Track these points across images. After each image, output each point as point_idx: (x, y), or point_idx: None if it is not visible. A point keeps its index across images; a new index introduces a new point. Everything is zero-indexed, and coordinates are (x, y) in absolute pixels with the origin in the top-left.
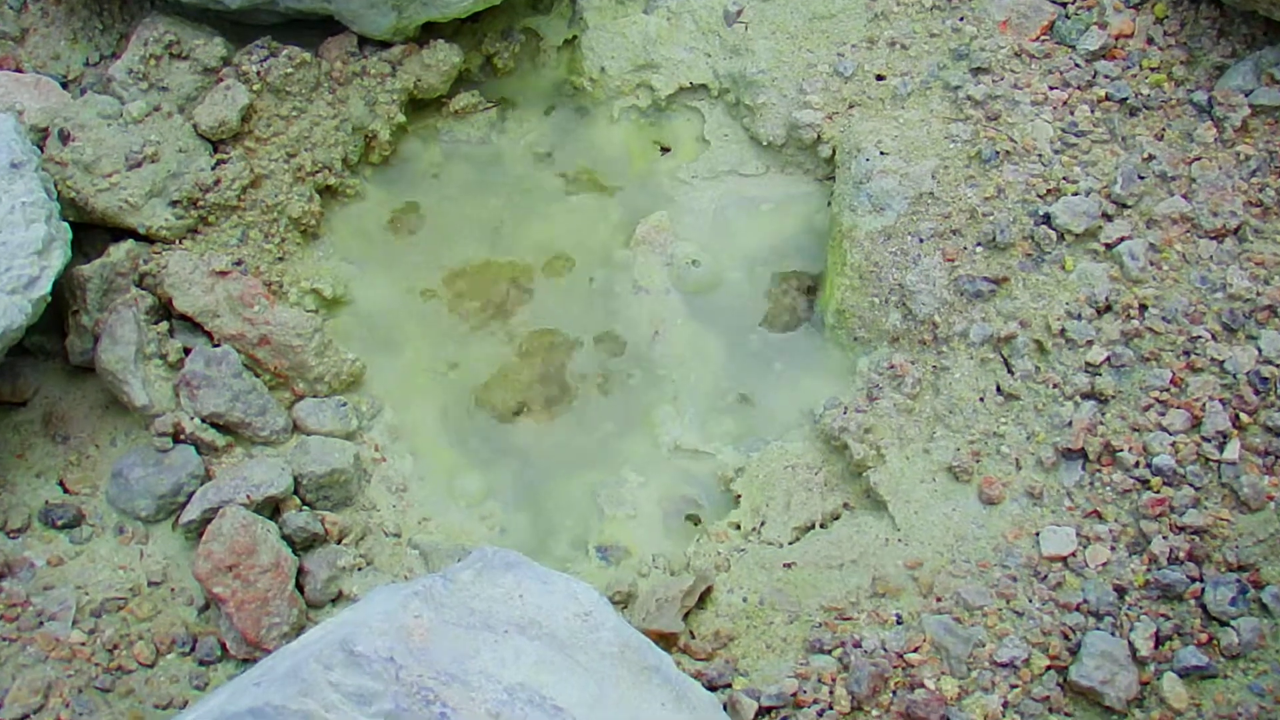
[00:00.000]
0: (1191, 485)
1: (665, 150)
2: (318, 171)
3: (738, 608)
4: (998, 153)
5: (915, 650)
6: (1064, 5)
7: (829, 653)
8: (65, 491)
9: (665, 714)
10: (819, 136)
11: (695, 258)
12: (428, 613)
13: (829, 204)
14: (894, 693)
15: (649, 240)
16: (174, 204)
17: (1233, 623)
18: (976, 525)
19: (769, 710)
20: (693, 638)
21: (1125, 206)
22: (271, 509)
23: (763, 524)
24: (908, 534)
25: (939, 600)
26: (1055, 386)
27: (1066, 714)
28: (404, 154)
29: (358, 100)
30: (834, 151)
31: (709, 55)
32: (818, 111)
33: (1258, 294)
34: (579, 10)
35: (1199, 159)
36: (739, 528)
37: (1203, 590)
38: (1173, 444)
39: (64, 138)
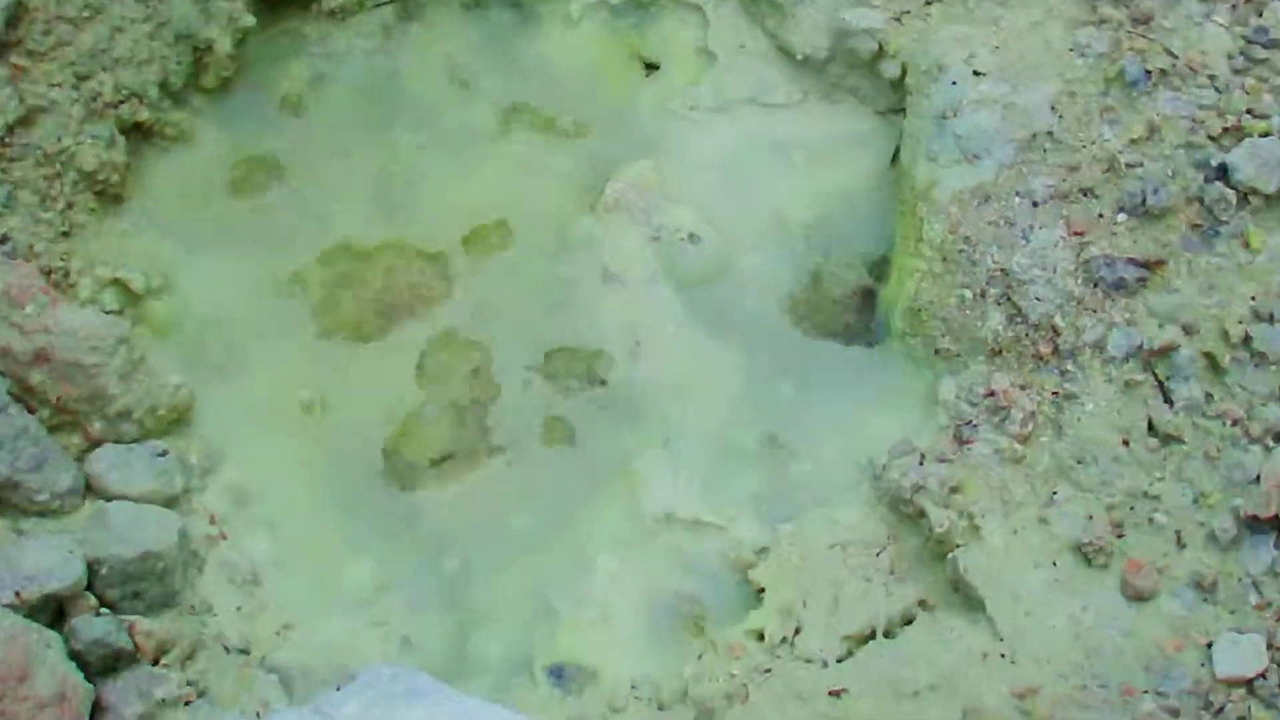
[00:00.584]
0: None
1: (651, 68)
2: (122, 102)
3: None
4: (1149, 73)
5: None
6: None
7: None
8: None
9: None
10: (881, 48)
11: (695, 231)
12: None
13: (896, 151)
14: None
15: (626, 205)
16: None
17: None
18: (1118, 632)
19: None
20: None
21: None
22: (54, 612)
23: (798, 631)
24: (1015, 646)
25: None
26: (1235, 424)
27: None
28: (254, 76)
29: None
30: (904, 71)
31: None
32: (879, 10)
33: None
34: None
35: None
36: (762, 637)
37: None
38: None
39: None
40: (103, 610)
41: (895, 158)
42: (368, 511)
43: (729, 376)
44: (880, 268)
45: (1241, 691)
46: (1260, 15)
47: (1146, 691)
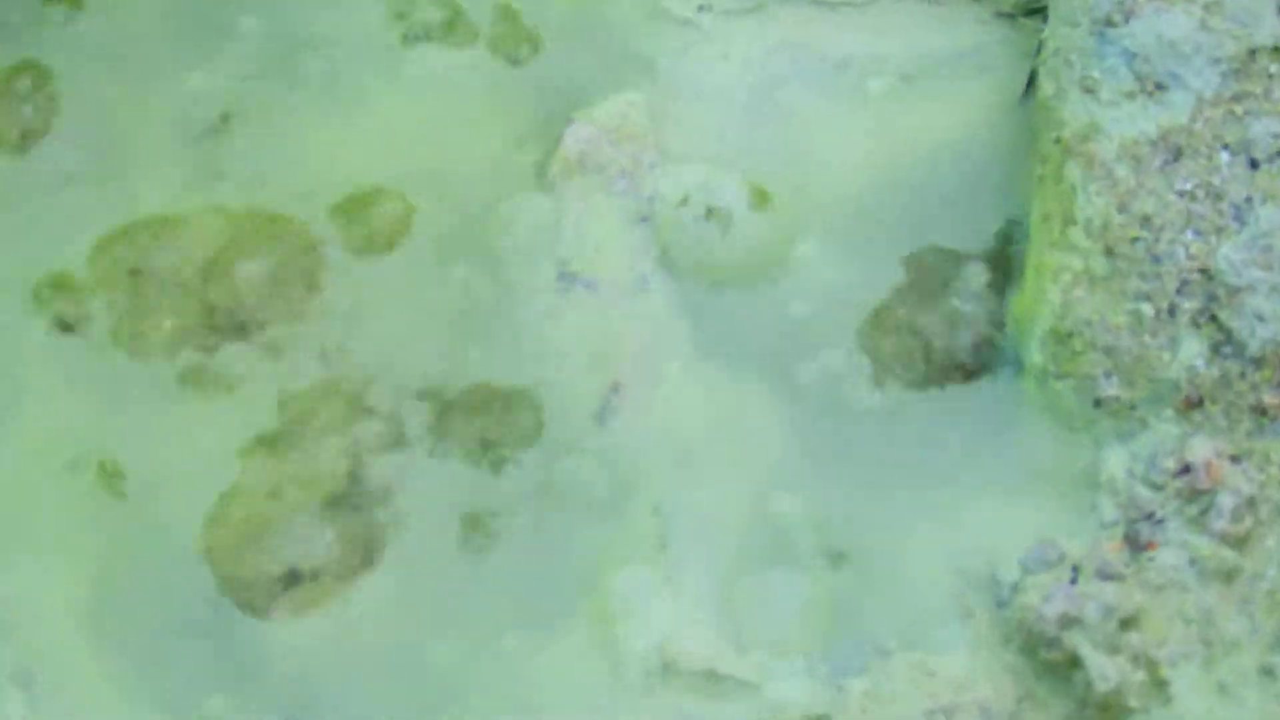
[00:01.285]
0: None
1: None
2: None
3: None
4: None
5: None
6: None
7: None
8: None
9: None
10: None
11: (710, 204)
12: None
13: (1031, 77)
14: None
15: (596, 163)
16: None
17: None
18: None
19: None
20: None
21: None
22: None
23: None
24: None
25: None
26: None
27: None
28: None
29: None
30: None
31: None
32: None
33: None
34: None
35: None
36: None
37: None
38: None
39: None
40: None
41: (1030, 88)
42: (184, 654)
43: (762, 439)
44: (1004, 266)
45: None
46: None
47: None
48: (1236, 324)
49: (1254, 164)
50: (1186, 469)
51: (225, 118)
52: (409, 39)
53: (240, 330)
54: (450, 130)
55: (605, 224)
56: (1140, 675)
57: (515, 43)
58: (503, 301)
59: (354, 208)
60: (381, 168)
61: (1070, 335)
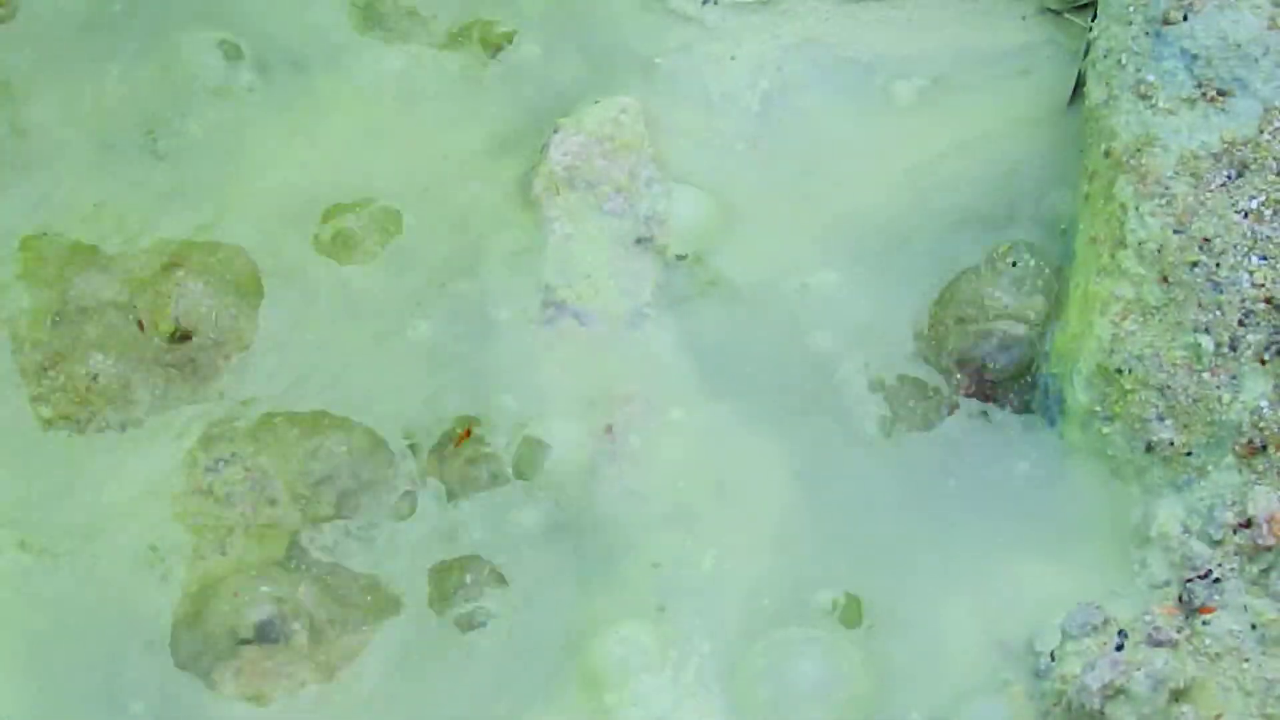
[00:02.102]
0: None
1: None
2: None
3: None
4: None
5: None
6: None
7: None
8: None
9: None
10: None
11: (710, 226)
12: None
13: (1078, 82)
14: None
15: (587, 179)
16: None
17: None
18: None
19: None
20: None
21: None
22: None
23: None
24: None
25: None
26: None
27: None
28: None
29: None
30: None
31: None
32: None
33: None
34: None
35: None
36: None
37: None
38: None
39: None
40: None
41: (1076, 93)
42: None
43: (774, 491)
44: (1046, 293)
45: None
46: None
47: None
48: None
49: None
50: (1248, 523)
51: (168, 126)
52: (367, 32)
53: (181, 369)
54: (416, 139)
55: (596, 247)
56: None
57: (491, 38)
58: (480, 335)
59: (309, 229)
60: (338, 184)
61: (1120, 372)
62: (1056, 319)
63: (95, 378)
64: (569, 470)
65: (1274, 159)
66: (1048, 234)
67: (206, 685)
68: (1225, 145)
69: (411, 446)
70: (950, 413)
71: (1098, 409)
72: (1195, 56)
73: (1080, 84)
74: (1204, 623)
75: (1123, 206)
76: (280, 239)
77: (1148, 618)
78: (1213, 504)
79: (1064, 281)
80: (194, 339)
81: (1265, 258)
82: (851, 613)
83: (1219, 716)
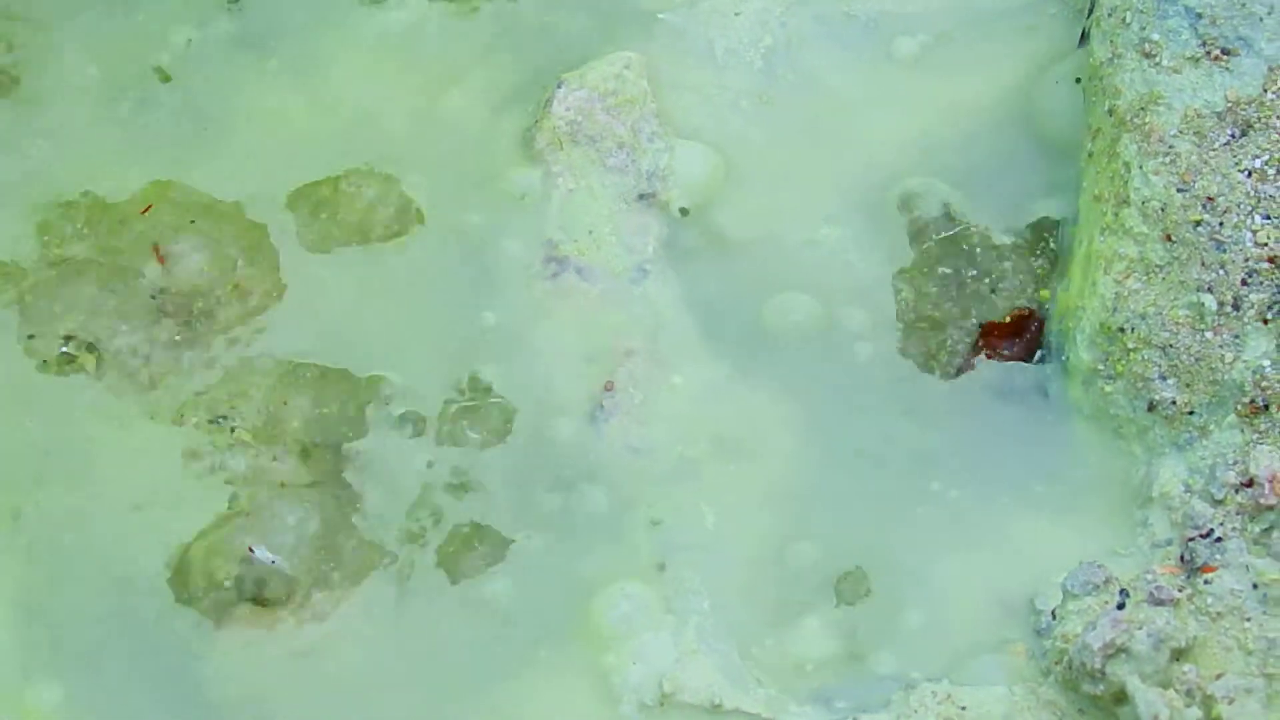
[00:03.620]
0: None
1: None
2: None
3: None
4: None
5: None
6: None
7: None
8: None
9: None
10: None
11: (713, 181)
12: None
13: (1082, 37)
14: None
15: (589, 135)
16: None
17: None
18: None
19: None
20: None
21: None
22: None
23: None
24: None
25: None
26: None
27: None
28: None
29: None
30: None
31: None
32: None
33: None
34: None
35: None
36: None
37: None
38: None
39: None
40: None
41: (1081, 50)
42: (139, 673)
43: (776, 450)
44: (1050, 253)
45: None
46: None
47: None
48: None
49: None
50: (1250, 482)
51: (168, 83)
52: None
53: (189, 319)
54: (418, 95)
55: (599, 203)
56: (1195, 712)
57: None
58: (483, 288)
59: (311, 189)
60: (339, 141)
61: (1122, 331)
62: (1060, 277)
63: (92, 332)
64: (570, 426)
65: (1278, 118)
66: (1050, 192)
67: (203, 635)
68: (1229, 104)
69: (414, 401)
70: (955, 372)
71: (1100, 368)
72: (1200, 15)
73: (1084, 41)
74: (1206, 582)
75: (1126, 165)
76: (289, 199)
77: (1149, 577)
78: (1215, 463)
79: (1067, 239)
80: (199, 293)
81: (1269, 217)
82: (850, 570)
83: (1220, 676)
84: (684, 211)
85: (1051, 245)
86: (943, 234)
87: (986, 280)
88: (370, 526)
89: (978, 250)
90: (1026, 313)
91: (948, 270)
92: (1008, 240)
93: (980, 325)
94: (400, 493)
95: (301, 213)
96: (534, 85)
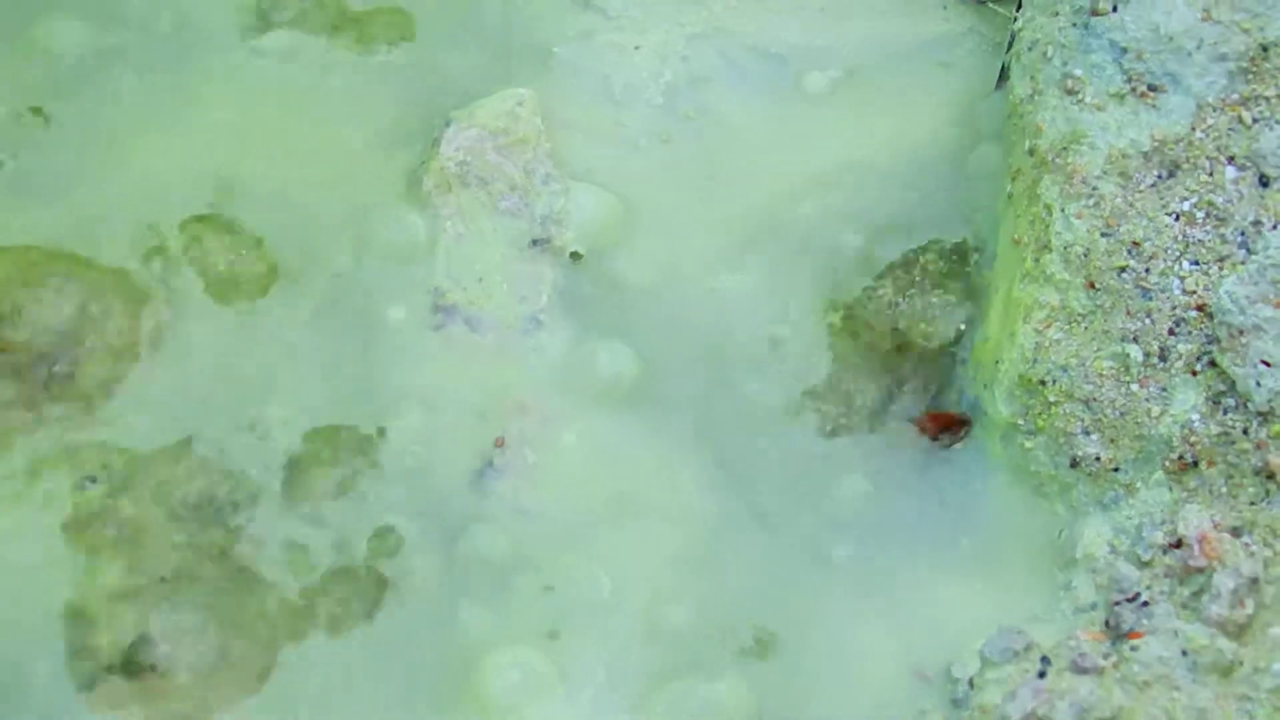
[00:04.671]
0: None
1: None
2: None
3: None
4: None
5: None
6: None
7: None
8: None
9: None
10: None
11: (609, 229)
12: None
13: (1002, 74)
14: None
15: (479, 177)
16: None
17: None
18: None
19: None
20: None
21: None
22: None
23: None
24: None
25: None
26: None
27: None
28: None
29: None
30: None
31: None
32: None
33: None
34: None
35: None
36: None
37: None
38: None
39: None
40: None
41: (1000, 88)
42: None
43: (677, 511)
44: (969, 296)
45: None
46: None
47: None
48: (1240, 371)
49: (1264, 181)
50: (1178, 543)
51: (38, 114)
52: (252, 22)
53: (49, 386)
54: (301, 132)
55: (490, 248)
56: None
57: (380, 26)
58: (366, 341)
59: (184, 230)
60: (210, 185)
61: (1043, 384)
62: (976, 326)
63: None
64: (457, 486)
65: (1207, 158)
66: (968, 236)
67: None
68: (1156, 144)
69: (295, 456)
70: (867, 428)
71: (1020, 422)
72: (1125, 49)
73: (1004, 78)
74: (1132, 648)
75: (1048, 207)
76: (157, 240)
77: (1072, 643)
78: (1141, 523)
79: (984, 286)
80: (64, 349)
81: (1197, 263)
82: (755, 639)
83: None
84: (577, 256)
85: (972, 288)
86: (855, 281)
87: (900, 329)
88: (247, 588)
89: (891, 297)
90: (961, 418)
91: (860, 320)
92: (925, 285)
93: (915, 418)
94: (280, 552)
95: (167, 264)
96: (421, 124)
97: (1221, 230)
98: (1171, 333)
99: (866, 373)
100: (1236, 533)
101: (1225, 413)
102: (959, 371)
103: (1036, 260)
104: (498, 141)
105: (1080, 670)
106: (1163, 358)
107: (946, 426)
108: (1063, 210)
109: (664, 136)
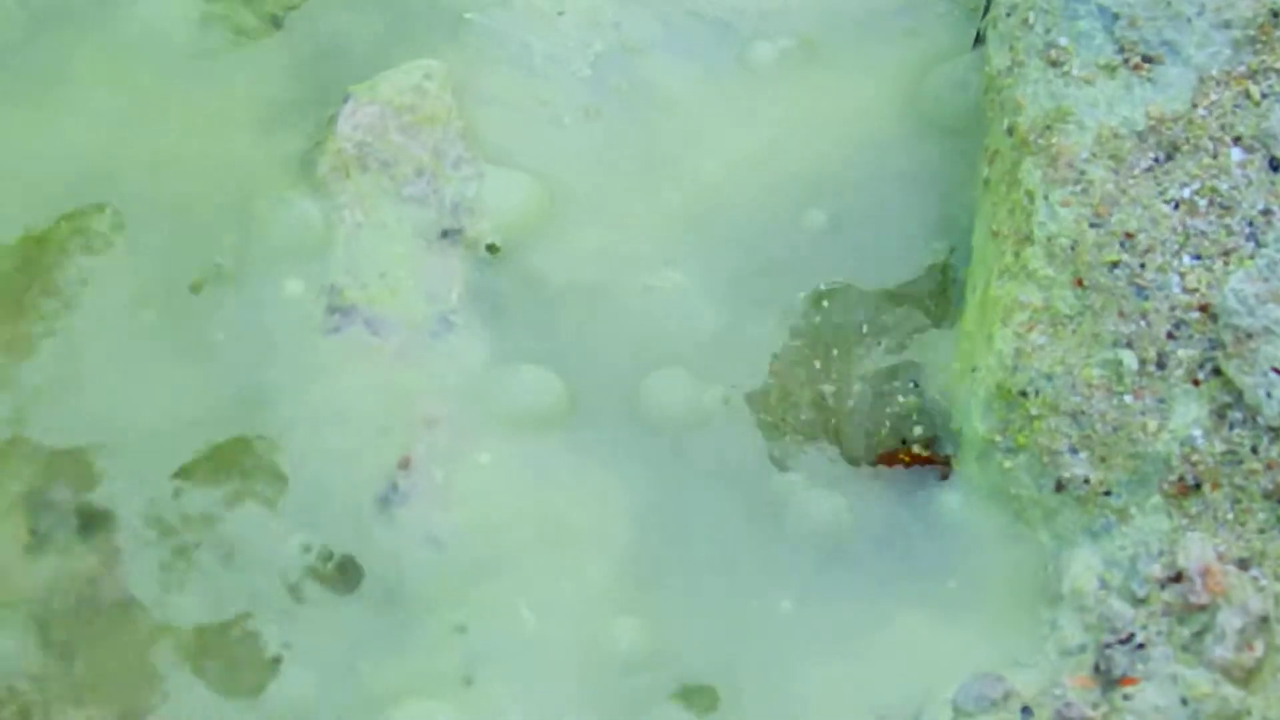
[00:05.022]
0: None
1: None
2: None
3: None
4: None
5: None
6: None
7: None
8: None
9: None
10: None
11: (507, 246)
12: None
13: (976, 39)
14: None
15: (381, 159)
16: None
17: None
18: None
19: None
20: None
21: None
22: None
23: None
24: None
25: None
26: None
27: None
28: None
29: None
30: None
31: None
32: None
33: None
34: None
35: None
36: None
37: None
38: None
39: None
40: None
41: (976, 52)
42: None
43: (608, 538)
44: (939, 304)
45: None
46: None
47: None
48: (1248, 380)
49: (1275, 164)
50: (1178, 576)
51: None
52: None
53: None
54: (178, 109)
55: (393, 240)
56: None
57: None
58: (250, 346)
59: (44, 221)
60: (82, 163)
61: (1025, 395)
62: (950, 331)
63: None
64: (356, 513)
65: (1210, 139)
66: (940, 227)
67: None
68: (1152, 122)
69: (175, 475)
70: (824, 449)
71: (998, 439)
72: (1116, 15)
73: (980, 44)
74: (1125, 697)
75: (1029, 194)
76: (13, 232)
77: (1058, 691)
78: (1136, 554)
79: (957, 285)
80: None
81: (1199, 257)
82: (696, 687)
83: None
84: (493, 249)
85: (947, 292)
86: (812, 286)
87: (864, 336)
88: (121, 635)
89: (854, 300)
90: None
91: (815, 326)
92: (890, 286)
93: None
94: (158, 593)
95: (20, 263)
96: (316, 100)
97: (1226, 220)
98: (1170, 336)
99: (828, 393)
100: (1244, 565)
101: (1232, 428)
102: (928, 380)
103: (1016, 254)
104: (402, 119)
105: (1067, 717)
106: (1160, 365)
107: (917, 463)
108: (1046, 198)
109: (592, 113)
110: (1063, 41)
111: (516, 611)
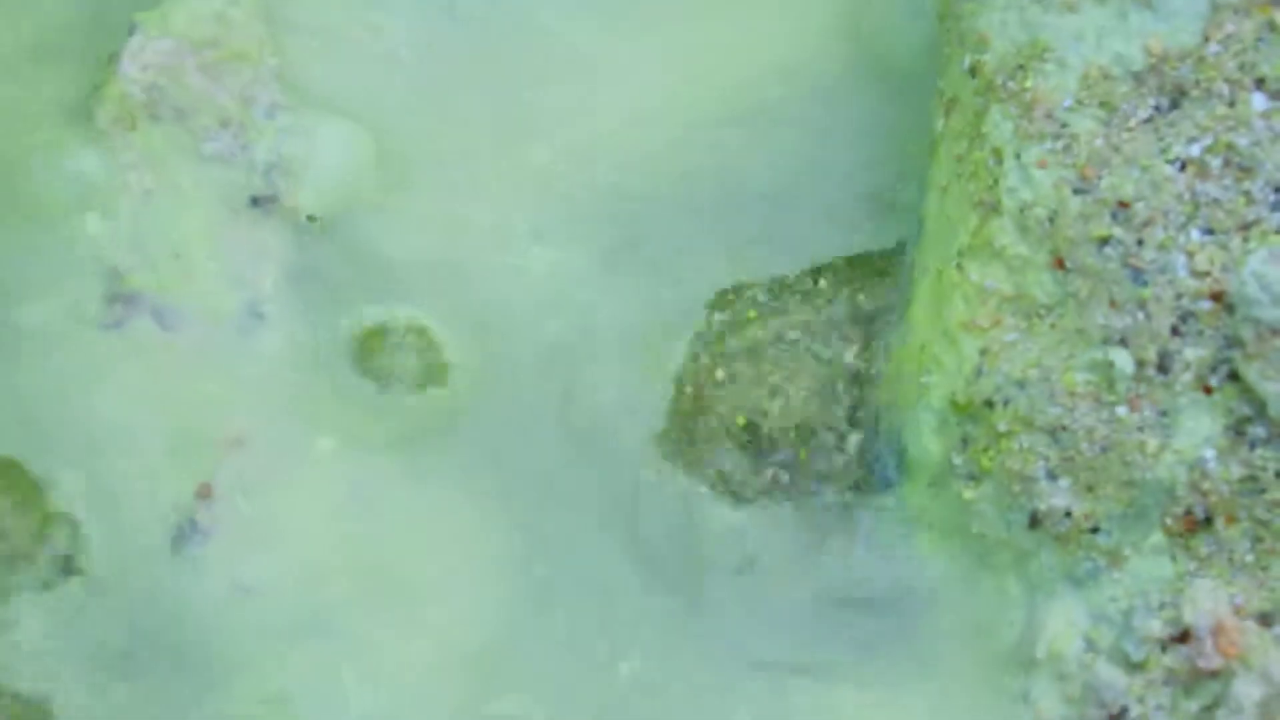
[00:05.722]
0: None
1: None
2: None
3: None
4: None
5: None
6: None
7: None
8: None
9: None
10: None
11: (334, 216)
12: None
13: None
14: None
15: (175, 103)
16: None
17: None
18: None
19: None
20: None
21: None
22: None
23: None
24: None
25: None
26: None
27: None
28: None
29: None
30: None
31: None
32: None
33: None
34: None
35: None
36: None
37: None
38: None
39: None
40: None
41: None
42: None
43: (464, 584)
44: (881, 291)
45: None
46: None
47: None
48: (1273, 388)
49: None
50: (1184, 635)
51: None
52: None
53: None
54: None
55: (191, 210)
56: None
57: None
58: (8, 346)
59: None
60: None
61: (990, 406)
62: (893, 325)
63: None
64: (147, 555)
65: (1226, 81)
66: (884, 192)
67: None
68: (1152, 60)
69: None
70: (744, 476)
71: (957, 462)
72: None
73: None
74: None
75: (996, 153)
76: None
77: None
78: (1131, 607)
79: (905, 267)
80: None
81: (1211, 231)
82: None
83: None
84: (314, 220)
85: (890, 275)
86: (729, 264)
87: (795, 338)
88: None
89: (777, 287)
90: None
91: (728, 320)
92: (818, 267)
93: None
94: None
95: None
96: (93, 32)
97: (1246, 184)
98: (1175, 332)
99: (749, 402)
100: (1266, 620)
101: (1252, 447)
102: (867, 391)
103: (980, 227)
104: (202, 57)
105: None
106: (1163, 368)
107: None
108: (1018, 157)
109: (439, 45)
110: None
111: (342, 677)
